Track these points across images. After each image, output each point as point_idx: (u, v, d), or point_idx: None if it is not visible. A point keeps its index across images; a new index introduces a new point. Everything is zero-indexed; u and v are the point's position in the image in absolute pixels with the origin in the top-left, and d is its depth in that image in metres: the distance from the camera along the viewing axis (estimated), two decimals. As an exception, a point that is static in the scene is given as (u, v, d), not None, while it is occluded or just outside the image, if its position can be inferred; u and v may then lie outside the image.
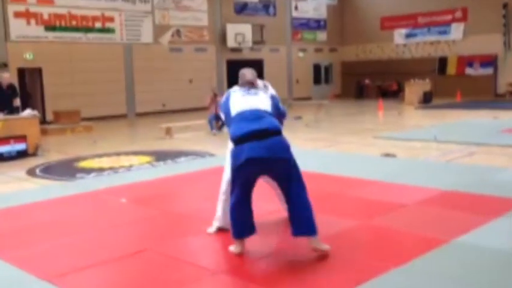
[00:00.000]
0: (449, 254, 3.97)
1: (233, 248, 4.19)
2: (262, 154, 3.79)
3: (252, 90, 4.22)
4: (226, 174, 4.50)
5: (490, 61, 22.37)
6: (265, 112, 4.03)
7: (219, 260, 4.20)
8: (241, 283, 3.60)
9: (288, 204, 4.08)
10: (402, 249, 4.17)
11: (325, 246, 4.01)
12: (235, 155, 3.91)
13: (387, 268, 3.67)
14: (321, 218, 4.98)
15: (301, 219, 3.98)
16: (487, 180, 6.29)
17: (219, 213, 4.70)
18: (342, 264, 3.86)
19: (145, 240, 4.60)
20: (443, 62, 23.67)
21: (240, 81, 4.38)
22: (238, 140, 3.90)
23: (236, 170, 3.94)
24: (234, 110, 4.06)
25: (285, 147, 3.93)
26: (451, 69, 23.44)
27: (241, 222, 4.09)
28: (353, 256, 3.99)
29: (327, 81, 27.04)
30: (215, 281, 3.67)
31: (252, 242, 4.56)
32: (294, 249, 4.21)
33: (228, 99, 4.22)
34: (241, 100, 4.11)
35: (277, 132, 3.93)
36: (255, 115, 3.96)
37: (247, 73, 4.37)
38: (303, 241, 4.32)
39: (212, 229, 4.73)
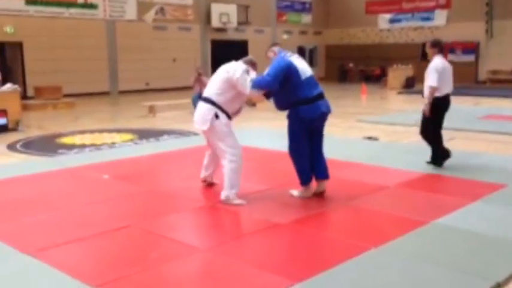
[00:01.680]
0: (428, 235, 4.06)
1: (302, 193, 5.06)
2: (327, 110, 5.02)
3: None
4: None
5: (472, 48, 22.61)
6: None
7: (203, 237, 4.24)
8: (224, 260, 3.64)
9: (315, 154, 5.09)
10: (382, 230, 4.25)
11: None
12: (308, 111, 4.83)
13: (367, 248, 3.74)
14: (302, 199, 5.07)
15: (325, 167, 5.13)
16: (466, 165, 6.41)
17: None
18: (322, 244, 3.93)
19: (128, 216, 4.60)
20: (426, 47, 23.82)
21: (250, 61, 5.25)
22: (310, 100, 4.85)
23: (310, 122, 4.90)
24: (303, 74, 4.89)
25: None
26: (434, 55, 23.62)
27: (309, 169, 5.05)
28: (333, 236, 4.06)
29: (311, 64, 26.90)
30: (198, 258, 3.70)
31: (236, 220, 4.62)
32: (276, 228, 4.27)
33: (291, 62, 4.89)
34: (301, 65, 4.95)
35: None
36: (314, 81, 5.01)
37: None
38: (284, 220, 4.39)
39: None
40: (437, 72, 6.06)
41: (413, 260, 3.57)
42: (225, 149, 4.90)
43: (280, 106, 5.07)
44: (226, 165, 4.90)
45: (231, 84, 4.88)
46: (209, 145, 5.28)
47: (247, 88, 4.82)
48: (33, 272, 3.45)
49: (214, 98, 4.91)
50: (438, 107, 6.14)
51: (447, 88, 6.20)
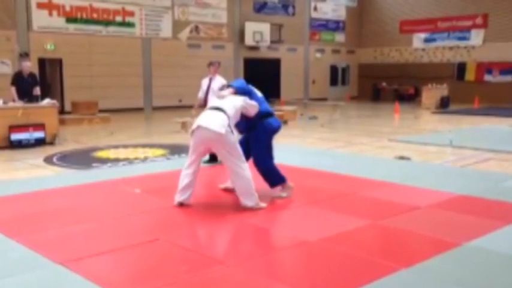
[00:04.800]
0: (461, 257, 3.97)
1: (288, 190, 5.67)
2: None
3: None
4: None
5: (510, 68, 22.14)
6: None
7: (231, 252, 4.25)
8: (252, 275, 3.63)
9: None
10: (413, 250, 4.18)
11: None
12: (275, 122, 5.66)
13: (397, 268, 3.68)
14: (332, 216, 5.05)
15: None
16: (502, 187, 6.26)
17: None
18: (350, 263, 3.87)
19: (157, 230, 4.66)
20: (462, 67, 23.49)
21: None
22: (270, 114, 5.63)
23: (275, 132, 5.65)
24: (258, 91, 5.79)
25: None
26: (470, 75, 23.25)
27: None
28: (363, 255, 4.00)
29: (343, 82, 26.99)
30: (226, 273, 3.70)
31: (265, 236, 4.61)
32: (304, 245, 4.24)
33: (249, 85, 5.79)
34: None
35: None
36: None
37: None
38: (312, 237, 4.36)
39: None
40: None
41: (445, 283, 3.48)
42: (237, 159, 5.10)
43: (249, 124, 5.49)
44: (243, 173, 5.10)
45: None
46: (197, 159, 5.30)
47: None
48: (64, 281, 3.52)
49: (225, 108, 5.15)
50: None
51: None
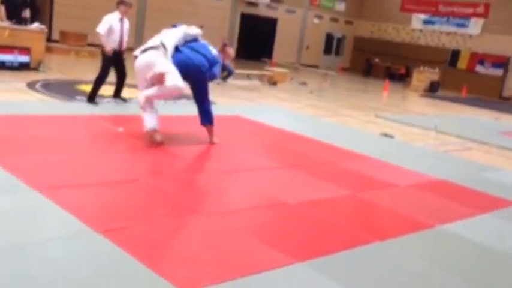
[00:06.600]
0: (432, 238, 4.04)
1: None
2: None
3: None
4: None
5: (502, 62, 22.23)
6: None
7: (208, 202, 4.24)
8: (227, 227, 3.64)
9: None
10: (388, 225, 4.24)
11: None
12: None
13: (371, 240, 3.73)
14: (313, 182, 5.06)
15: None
16: (481, 177, 6.34)
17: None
18: (327, 229, 3.91)
19: (137, 171, 4.64)
20: (455, 54, 23.49)
21: None
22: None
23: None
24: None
25: None
26: (462, 63, 23.29)
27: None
28: (339, 223, 4.05)
29: (337, 52, 26.79)
30: (200, 221, 3.70)
31: (245, 193, 4.61)
32: (282, 206, 4.26)
33: None
34: None
35: None
36: None
37: None
38: (291, 200, 4.38)
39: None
40: None
41: (415, 259, 3.55)
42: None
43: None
44: None
45: None
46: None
47: None
48: (40, 208, 3.47)
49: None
50: None
51: None
